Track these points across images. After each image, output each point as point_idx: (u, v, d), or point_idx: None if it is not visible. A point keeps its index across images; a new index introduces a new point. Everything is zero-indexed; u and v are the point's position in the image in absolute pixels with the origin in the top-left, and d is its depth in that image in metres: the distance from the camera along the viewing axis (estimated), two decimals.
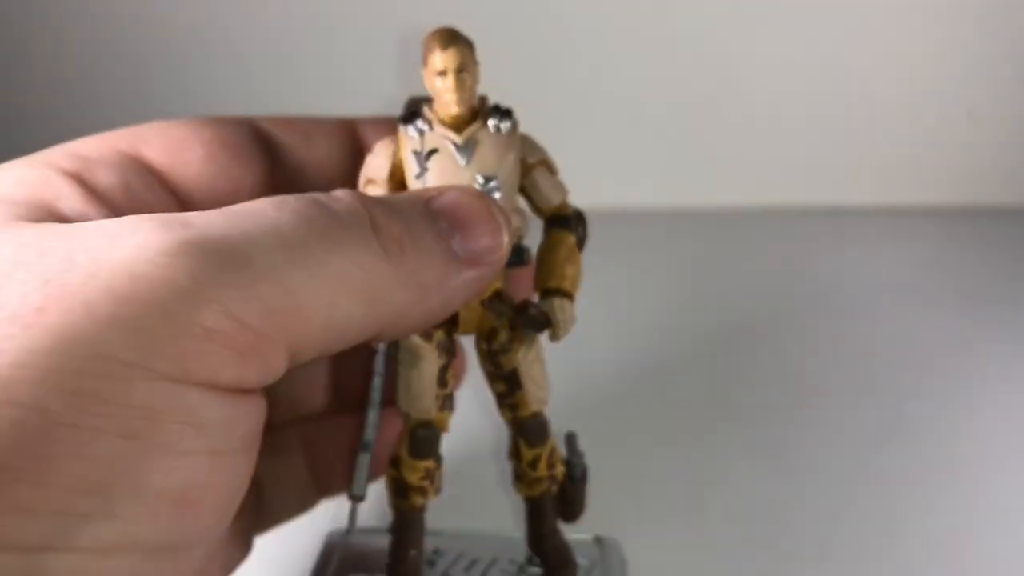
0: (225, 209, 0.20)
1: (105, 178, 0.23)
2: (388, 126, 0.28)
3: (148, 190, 0.24)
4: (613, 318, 0.54)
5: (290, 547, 0.31)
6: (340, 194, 0.22)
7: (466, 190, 0.24)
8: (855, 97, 0.68)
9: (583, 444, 0.30)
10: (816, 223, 0.68)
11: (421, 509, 0.28)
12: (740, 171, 0.70)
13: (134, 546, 0.18)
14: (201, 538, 0.19)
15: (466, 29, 0.26)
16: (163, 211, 0.23)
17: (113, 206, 0.23)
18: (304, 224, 0.20)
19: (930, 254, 0.64)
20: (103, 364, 0.17)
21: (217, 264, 0.18)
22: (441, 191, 0.24)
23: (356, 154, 0.29)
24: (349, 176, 0.28)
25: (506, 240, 0.24)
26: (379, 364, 0.27)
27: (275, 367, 0.19)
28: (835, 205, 0.70)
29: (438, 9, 0.63)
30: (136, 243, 0.18)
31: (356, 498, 0.27)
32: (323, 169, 0.28)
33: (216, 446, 0.19)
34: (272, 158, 0.28)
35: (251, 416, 0.20)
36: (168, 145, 0.25)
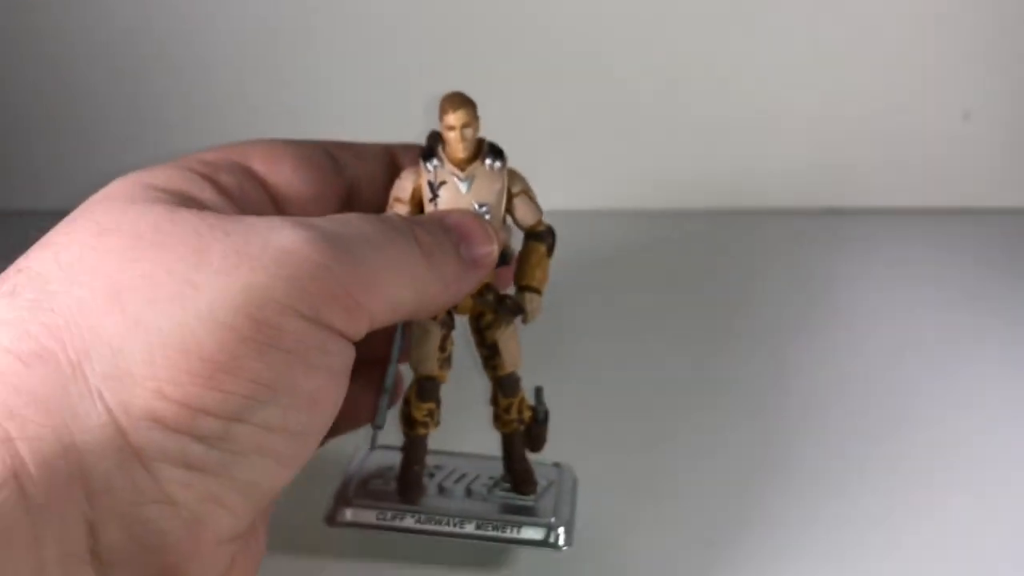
0: (329, 217, 0.30)
1: (226, 180, 0.32)
2: (414, 151, 0.38)
3: (254, 191, 0.34)
4: (613, 309, 0.60)
5: (329, 461, 0.42)
6: (391, 215, 0.32)
7: (467, 212, 0.34)
8: (852, 99, 0.70)
9: (551, 397, 0.40)
10: (813, 225, 0.70)
11: (424, 436, 0.38)
12: (738, 172, 0.73)
13: (283, 427, 0.27)
14: (319, 431, 0.29)
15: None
16: (264, 206, 0.34)
17: (234, 200, 0.32)
18: (379, 233, 0.30)
19: (926, 255, 0.66)
20: (272, 304, 0.27)
21: (336, 252, 0.28)
22: (451, 212, 0.34)
23: (393, 171, 0.38)
24: (386, 188, 0.37)
25: (496, 248, 0.34)
26: (397, 335, 0.37)
27: (362, 327, 0.29)
28: (831, 207, 0.73)
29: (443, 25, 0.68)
30: (286, 233, 0.28)
31: (378, 427, 0.37)
32: (372, 182, 0.37)
33: (333, 366, 0.29)
34: (337, 172, 0.37)
35: (350, 353, 0.30)
36: (267, 158, 0.35)
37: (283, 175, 0.35)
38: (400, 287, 0.30)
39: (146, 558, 0.26)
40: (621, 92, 0.71)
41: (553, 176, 0.72)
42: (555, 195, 0.72)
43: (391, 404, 0.38)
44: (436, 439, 0.39)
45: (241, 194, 0.33)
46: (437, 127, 0.35)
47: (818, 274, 0.63)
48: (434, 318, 0.36)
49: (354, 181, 0.37)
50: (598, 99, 0.71)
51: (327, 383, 0.29)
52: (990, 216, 0.71)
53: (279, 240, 0.28)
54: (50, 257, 0.27)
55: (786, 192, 0.73)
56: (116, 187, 0.30)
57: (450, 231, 0.33)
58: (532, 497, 0.39)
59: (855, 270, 0.64)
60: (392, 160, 0.38)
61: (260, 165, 0.34)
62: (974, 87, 0.70)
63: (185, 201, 0.30)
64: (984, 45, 0.69)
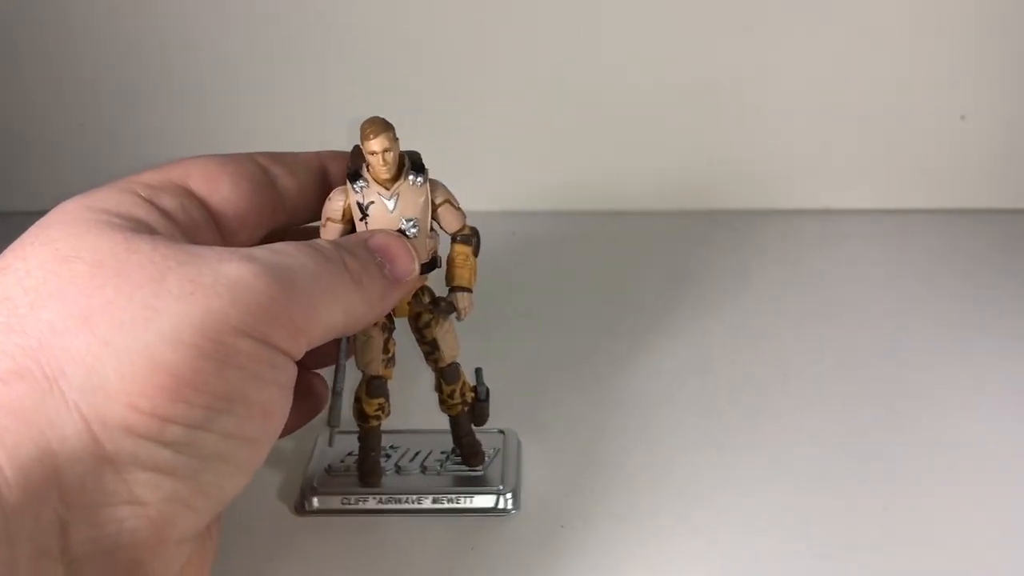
0: (268, 247, 0.33)
1: (168, 202, 0.35)
2: (343, 159, 0.40)
3: (195, 211, 0.36)
4: (605, 304, 0.61)
5: (293, 451, 0.45)
6: (322, 243, 0.35)
7: (389, 233, 0.37)
8: (850, 101, 0.70)
9: (490, 377, 0.44)
10: (813, 225, 0.71)
11: (378, 427, 0.42)
12: (737, 173, 0.73)
13: (241, 435, 0.31)
14: (270, 438, 0.32)
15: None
16: (206, 226, 0.36)
17: (177, 222, 0.34)
18: (314, 264, 0.33)
19: (924, 255, 0.66)
20: (227, 327, 0.30)
21: (280, 284, 0.31)
22: (374, 234, 0.37)
23: (322, 179, 0.40)
24: (316, 198, 0.39)
25: (417, 265, 0.37)
26: (343, 341, 0.40)
27: (302, 348, 0.32)
28: (828, 208, 0.73)
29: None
30: (235, 265, 0.31)
31: (333, 425, 0.40)
32: (303, 193, 0.40)
33: (281, 381, 0.32)
34: (271, 186, 0.39)
35: (294, 370, 0.32)
36: (205, 177, 0.37)
37: (221, 194, 0.37)
38: (334, 312, 0.33)
39: (114, 554, 0.29)
40: (617, 90, 0.71)
41: (553, 176, 0.74)
42: (565, 194, 0.74)
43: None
44: (392, 419, 0.42)
45: (184, 216, 0.35)
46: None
47: (816, 274, 0.64)
48: (375, 324, 0.39)
49: (286, 193, 0.39)
50: (596, 101, 0.71)
51: (276, 395, 0.32)
52: (988, 216, 0.72)
53: (229, 271, 0.30)
54: (14, 282, 0.30)
55: (786, 192, 0.74)
56: (67, 211, 0.32)
57: (374, 253, 0.36)
58: (481, 467, 0.43)
59: (853, 270, 0.65)
60: (322, 169, 0.40)
61: (199, 185, 0.36)
62: (971, 89, 0.70)
63: (136, 226, 0.32)
64: (980, 49, 0.69)
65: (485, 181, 0.70)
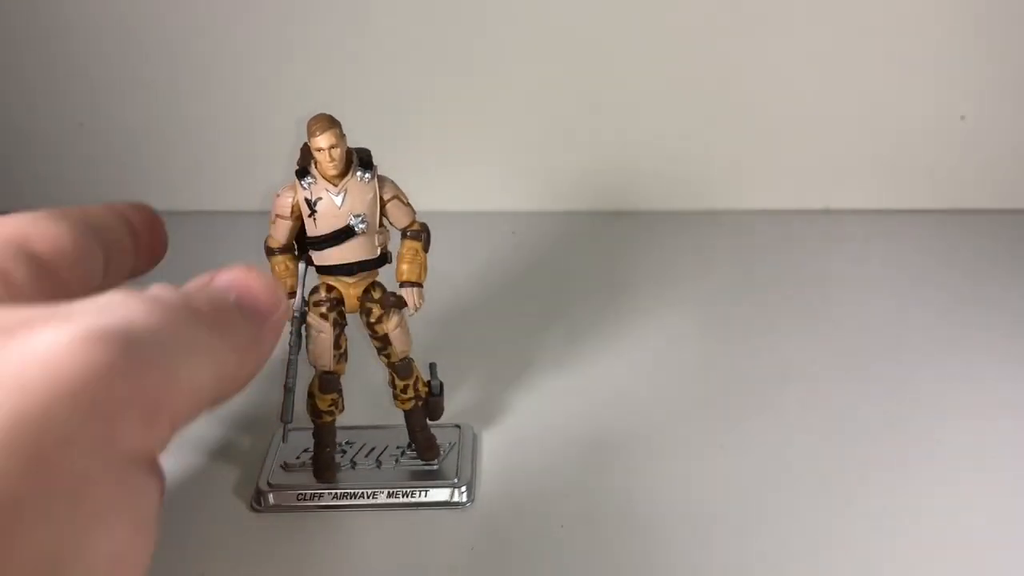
0: (91, 300, 0.24)
1: (9, 264, 0.26)
2: (141, 210, 0.31)
3: (39, 274, 0.27)
4: (601, 302, 0.61)
5: (249, 448, 0.46)
6: (158, 288, 0.25)
7: (235, 267, 0.28)
8: (850, 101, 0.71)
9: (443, 372, 0.44)
10: (812, 225, 0.71)
11: (332, 422, 0.42)
12: (737, 173, 0.73)
13: None
14: None
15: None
16: (48, 291, 0.27)
17: (14, 287, 0.26)
18: (153, 314, 0.24)
19: (924, 256, 0.66)
20: (50, 437, 0.19)
21: (114, 347, 0.21)
22: (218, 273, 0.28)
23: (132, 231, 0.31)
24: (129, 253, 0.30)
25: (282, 295, 0.28)
26: (292, 336, 0.40)
27: (165, 435, 0.22)
28: (828, 208, 0.73)
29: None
30: (48, 336, 0.21)
31: (285, 422, 0.40)
32: (119, 248, 0.30)
33: (139, 512, 0.22)
34: (98, 243, 0.30)
35: (157, 490, 0.22)
36: (47, 237, 0.28)
37: (64, 252, 0.29)
38: (197, 371, 0.24)
39: None
40: (617, 91, 0.71)
41: (553, 176, 0.74)
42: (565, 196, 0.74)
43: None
44: (347, 414, 0.43)
45: (29, 278, 0.27)
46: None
47: (816, 274, 0.64)
48: (324, 318, 0.40)
49: (112, 244, 0.31)
50: (596, 102, 0.72)
51: (131, 539, 0.21)
52: (988, 216, 0.71)
53: (41, 346, 0.21)
54: None
55: (786, 192, 0.74)
56: None
57: (226, 291, 0.27)
58: (436, 461, 0.44)
59: (853, 270, 0.65)
60: (127, 219, 0.32)
61: (41, 245, 0.28)
62: (971, 89, 0.70)
63: None
64: (981, 52, 0.69)
65: (485, 181, 0.72)
